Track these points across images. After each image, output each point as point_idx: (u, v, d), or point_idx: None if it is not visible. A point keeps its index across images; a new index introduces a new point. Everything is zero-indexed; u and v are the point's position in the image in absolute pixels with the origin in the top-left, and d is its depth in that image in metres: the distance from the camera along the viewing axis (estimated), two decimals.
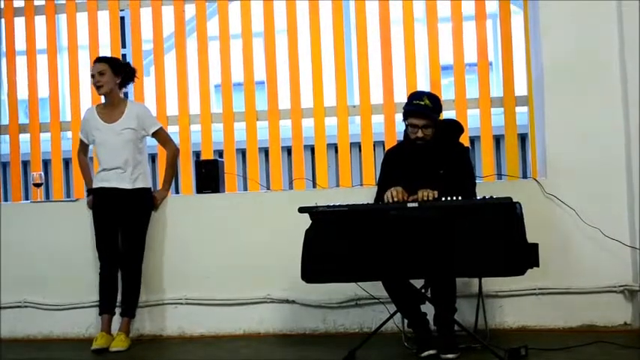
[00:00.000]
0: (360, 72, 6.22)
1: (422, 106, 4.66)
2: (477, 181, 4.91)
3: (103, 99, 5.56)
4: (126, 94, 5.95)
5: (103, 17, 6.54)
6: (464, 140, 5.04)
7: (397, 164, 4.82)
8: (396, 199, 4.43)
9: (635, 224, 5.25)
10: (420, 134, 4.68)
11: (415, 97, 4.74)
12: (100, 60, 5.54)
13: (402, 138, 4.99)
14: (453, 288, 4.63)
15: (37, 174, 6.00)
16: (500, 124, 6.08)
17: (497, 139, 6.44)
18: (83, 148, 5.72)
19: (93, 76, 5.46)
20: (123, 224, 5.44)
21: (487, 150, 6.03)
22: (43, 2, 6.59)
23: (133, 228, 5.45)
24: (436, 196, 4.36)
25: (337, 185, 6.33)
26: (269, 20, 6.29)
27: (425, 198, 4.35)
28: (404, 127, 4.83)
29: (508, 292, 5.41)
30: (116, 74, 5.48)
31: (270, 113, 6.27)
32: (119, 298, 5.49)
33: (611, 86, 5.38)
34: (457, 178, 4.64)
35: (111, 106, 5.51)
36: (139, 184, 5.46)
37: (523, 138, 6.44)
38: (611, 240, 5.25)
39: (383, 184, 4.75)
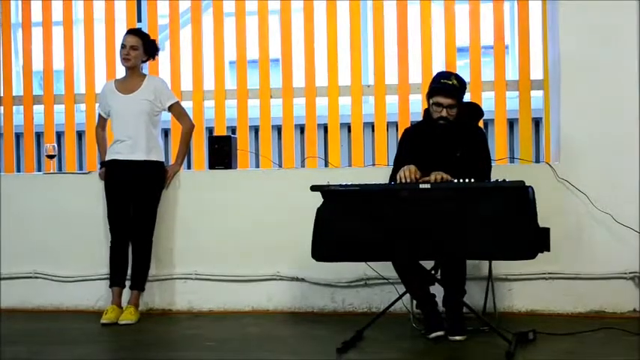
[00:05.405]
0: (376, 52, 6.19)
1: (449, 85, 4.63)
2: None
3: (123, 72, 5.57)
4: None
5: None
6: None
7: (415, 144, 4.80)
8: (408, 180, 4.43)
9: None
10: (444, 113, 4.64)
11: (443, 76, 4.72)
12: (136, 33, 5.52)
13: (415, 119, 4.96)
14: (463, 270, 4.64)
15: (50, 146, 6.02)
16: (514, 107, 6.07)
17: (512, 123, 6.41)
18: (101, 122, 5.74)
19: (124, 46, 5.45)
20: (135, 197, 5.45)
21: (501, 133, 6.03)
22: None
23: (144, 201, 5.46)
24: (449, 179, 4.35)
25: (349, 165, 6.32)
26: None
27: (438, 181, 4.35)
28: (421, 108, 4.80)
29: (518, 276, 5.40)
30: (145, 52, 5.51)
31: (284, 91, 6.26)
32: (129, 271, 5.52)
33: (627, 73, 5.34)
34: (473, 161, 4.63)
35: (130, 79, 5.51)
36: (152, 157, 5.46)
37: (537, 122, 6.41)
38: (623, 226, 5.23)
39: (399, 163, 4.71)
